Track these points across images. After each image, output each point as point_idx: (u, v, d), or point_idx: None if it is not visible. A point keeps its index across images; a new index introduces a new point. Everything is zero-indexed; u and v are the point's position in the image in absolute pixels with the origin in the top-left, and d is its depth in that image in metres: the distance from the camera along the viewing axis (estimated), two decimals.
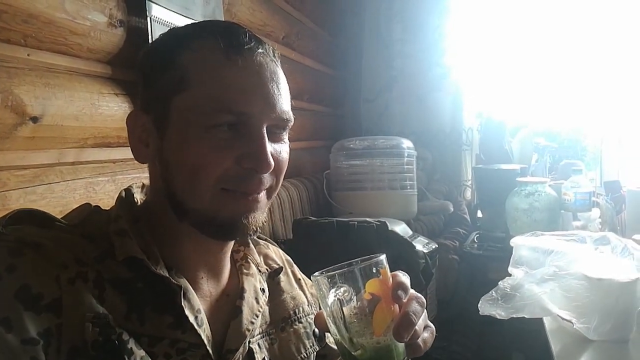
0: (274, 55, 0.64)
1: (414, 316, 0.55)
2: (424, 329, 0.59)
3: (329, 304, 0.56)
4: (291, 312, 0.77)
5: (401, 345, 0.57)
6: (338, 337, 0.57)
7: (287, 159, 0.66)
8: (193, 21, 1.31)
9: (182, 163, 0.60)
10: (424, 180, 2.29)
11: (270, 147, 0.61)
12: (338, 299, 0.55)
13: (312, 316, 0.80)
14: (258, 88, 0.60)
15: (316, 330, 0.78)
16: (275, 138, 0.64)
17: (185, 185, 0.60)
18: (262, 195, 0.63)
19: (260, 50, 0.61)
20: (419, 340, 0.58)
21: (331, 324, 0.58)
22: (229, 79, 0.59)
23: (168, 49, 0.62)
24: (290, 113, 0.64)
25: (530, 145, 2.41)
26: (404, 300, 0.56)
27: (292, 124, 0.66)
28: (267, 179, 0.63)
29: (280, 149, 0.64)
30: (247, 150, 0.59)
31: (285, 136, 0.66)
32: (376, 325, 0.55)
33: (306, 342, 0.76)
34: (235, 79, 0.59)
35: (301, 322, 0.77)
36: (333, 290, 0.56)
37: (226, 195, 0.60)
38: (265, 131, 0.61)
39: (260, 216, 0.63)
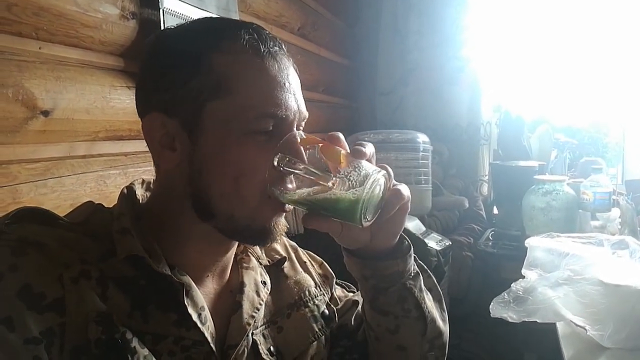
0: (288, 53, 0.65)
1: (362, 146, 0.60)
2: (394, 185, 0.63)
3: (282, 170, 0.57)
4: (296, 297, 0.76)
5: (372, 173, 0.57)
6: (311, 188, 0.58)
7: None
8: (206, 13, 1.30)
9: (222, 170, 0.60)
10: (440, 175, 2.26)
11: None
12: (279, 160, 0.57)
13: (321, 297, 0.79)
14: (291, 90, 0.62)
15: (325, 311, 0.78)
16: None
17: (225, 192, 0.60)
18: None
19: (285, 53, 0.64)
20: (397, 187, 0.62)
21: (296, 186, 0.59)
22: (266, 84, 0.60)
23: (194, 49, 0.60)
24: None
25: (550, 141, 2.36)
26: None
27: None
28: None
29: None
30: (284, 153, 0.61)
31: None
32: (331, 158, 0.58)
33: (314, 325, 0.75)
34: (272, 84, 0.60)
35: (308, 307, 0.76)
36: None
37: (268, 202, 0.61)
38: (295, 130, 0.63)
39: (283, 220, 0.66)
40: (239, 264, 0.73)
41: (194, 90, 0.59)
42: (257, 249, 0.77)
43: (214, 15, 1.32)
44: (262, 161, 0.59)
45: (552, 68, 2.50)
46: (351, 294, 0.87)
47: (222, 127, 0.59)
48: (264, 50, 0.60)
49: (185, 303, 0.59)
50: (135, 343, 0.55)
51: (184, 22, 0.68)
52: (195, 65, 0.59)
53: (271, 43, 0.61)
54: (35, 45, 0.88)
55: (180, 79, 0.60)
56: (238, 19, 1.43)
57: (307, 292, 0.77)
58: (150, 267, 0.58)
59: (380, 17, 2.52)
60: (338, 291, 0.86)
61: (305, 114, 0.65)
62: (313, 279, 0.80)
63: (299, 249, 0.85)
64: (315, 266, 0.84)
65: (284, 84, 0.61)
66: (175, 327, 0.59)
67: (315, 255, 0.86)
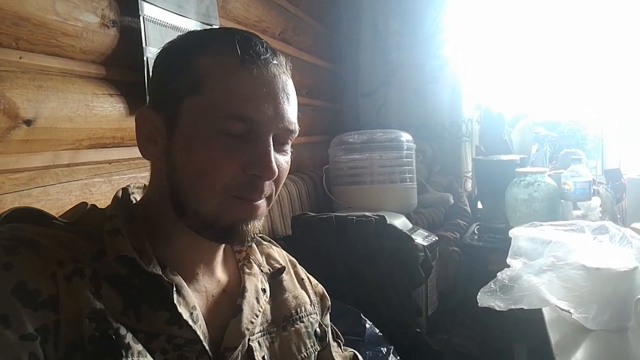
0: (286, 67, 0.66)
1: None
2: None
3: None
4: (293, 312, 0.77)
5: None
6: None
7: (287, 169, 0.68)
8: (186, 19, 1.31)
9: (189, 165, 0.61)
10: (424, 172, 2.28)
11: (274, 155, 0.63)
12: None
13: (314, 316, 0.81)
14: (269, 98, 0.62)
15: (318, 330, 0.79)
16: (279, 148, 0.65)
17: (191, 187, 0.62)
18: (262, 202, 0.65)
19: (274, 62, 0.64)
20: None
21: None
22: (241, 87, 0.60)
23: (185, 51, 0.64)
24: (296, 125, 0.66)
25: (530, 135, 2.41)
26: None
27: (296, 135, 0.67)
28: (267, 186, 0.64)
29: (282, 160, 0.66)
30: (252, 158, 0.61)
31: (289, 147, 0.68)
32: None
33: (307, 341, 0.77)
34: (247, 87, 0.61)
35: (302, 322, 0.78)
36: None
37: (233, 201, 0.62)
38: (271, 140, 0.62)
39: (258, 224, 0.65)
40: (241, 269, 0.75)
41: (176, 88, 0.62)
42: (258, 256, 0.78)
43: (194, 21, 1.33)
44: (227, 162, 0.60)
45: (531, 64, 2.55)
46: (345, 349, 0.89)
47: (193, 124, 0.61)
48: (246, 55, 0.61)
49: (176, 302, 0.60)
50: (129, 339, 0.56)
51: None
52: (181, 65, 0.62)
53: (261, 50, 0.62)
54: (16, 55, 0.88)
55: (167, 78, 0.64)
56: (218, 24, 1.44)
57: (303, 308, 0.79)
58: (140, 266, 0.59)
59: (360, 19, 2.55)
60: (332, 342, 0.86)
61: (290, 126, 0.64)
62: (309, 297, 0.82)
63: (297, 265, 0.86)
64: (312, 284, 0.85)
65: (262, 90, 0.61)
66: (167, 325, 0.60)
67: (313, 277, 0.88)
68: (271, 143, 0.62)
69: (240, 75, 0.60)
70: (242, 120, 0.60)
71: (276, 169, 0.62)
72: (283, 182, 0.68)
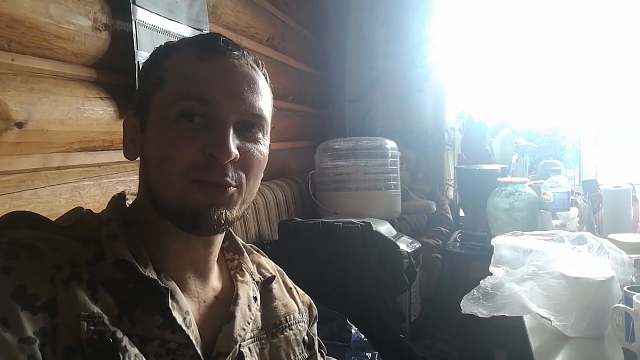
0: (254, 63, 0.68)
1: None
2: None
3: None
4: (282, 319, 0.78)
5: None
6: None
7: (260, 158, 0.67)
8: (178, 24, 1.31)
9: (154, 154, 0.64)
10: (408, 180, 2.31)
11: (235, 139, 0.63)
12: None
13: (303, 324, 0.82)
14: (227, 83, 0.63)
15: (306, 338, 0.81)
16: (248, 136, 0.65)
17: (158, 176, 0.63)
18: (232, 190, 0.64)
19: (235, 54, 0.65)
20: None
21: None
22: (198, 75, 0.63)
23: (156, 57, 0.68)
24: (264, 111, 0.66)
25: (511, 145, 2.46)
26: None
27: (267, 123, 0.68)
28: (232, 172, 0.63)
29: (252, 147, 0.65)
30: (211, 140, 0.61)
31: (261, 136, 0.67)
32: None
33: (296, 349, 0.78)
34: (204, 75, 0.63)
35: (292, 329, 0.79)
36: None
37: (195, 186, 0.62)
38: (231, 123, 0.62)
39: (228, 212, 0.64)
40: (234, 277, 0.76)
41: (146, 89, 0.66)
42: (250, 264, 0.79)
43: (185, 26, 1.34)
44: (188, 145, 0.61)
45: (512, 75, 2.62)
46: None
47: (158, 116, 0.64)
48: (205, 49, 0.64)
49: (171, 307, 0.61)
50: (126, 342, 0.56)
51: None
52: (151, 69, 0.67)
53: (221, 45, 0.64)
54: (9, 58, 0.88)
55: (141, 84, 0.69)
56: (208, 30, 1.45)
57: (292, 317, 0.80)
58: (137, 271, 0.60)
59: (347, 27, 2.58)
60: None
61: (253, 110, 0.64)
62: (297, 305, 0.83)
63: (285, 275, 0.88)
64: (299, 294, 0.86)
65: (219, 76, 0.63)
66: (161, 330, 0.60)
67: (300, 288, 0.89)
68: (230, 126, 0.62)
69: (197, 65, 0.63)
70: (197, 101, 0.61)
71: (234, 151, 0.61)
72: (257, 171, 0.67)
